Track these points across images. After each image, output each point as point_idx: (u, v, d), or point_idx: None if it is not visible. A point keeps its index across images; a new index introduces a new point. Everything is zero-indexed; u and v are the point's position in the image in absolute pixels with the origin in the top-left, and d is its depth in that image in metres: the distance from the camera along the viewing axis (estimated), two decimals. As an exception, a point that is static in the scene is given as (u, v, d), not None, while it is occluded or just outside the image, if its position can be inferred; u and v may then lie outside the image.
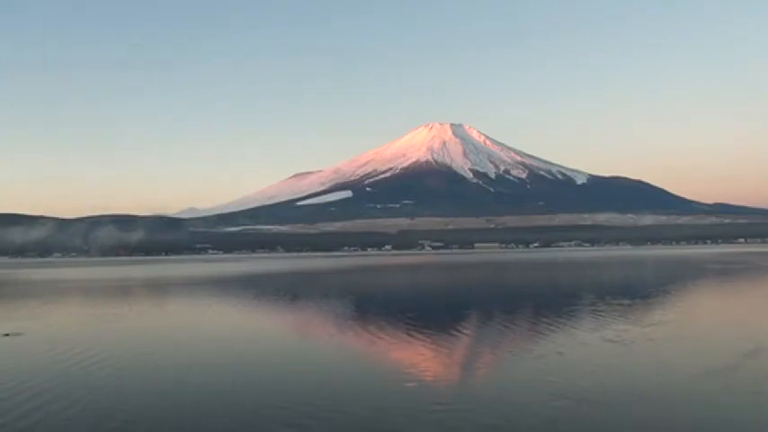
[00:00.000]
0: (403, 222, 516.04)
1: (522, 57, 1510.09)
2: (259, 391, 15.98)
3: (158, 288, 62.96)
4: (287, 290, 57.21)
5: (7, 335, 26.62)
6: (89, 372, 18.70)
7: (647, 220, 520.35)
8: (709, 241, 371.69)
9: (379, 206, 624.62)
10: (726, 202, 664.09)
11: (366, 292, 56.87)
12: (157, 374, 18.42)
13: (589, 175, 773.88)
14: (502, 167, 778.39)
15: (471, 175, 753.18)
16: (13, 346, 23.94)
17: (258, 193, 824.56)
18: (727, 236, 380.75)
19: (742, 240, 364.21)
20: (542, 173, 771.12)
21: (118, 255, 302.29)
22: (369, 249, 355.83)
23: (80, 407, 14.45)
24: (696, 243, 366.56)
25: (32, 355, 22.15)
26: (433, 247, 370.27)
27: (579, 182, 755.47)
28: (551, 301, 41.24)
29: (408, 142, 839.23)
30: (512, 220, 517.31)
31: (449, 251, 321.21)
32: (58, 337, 26.23)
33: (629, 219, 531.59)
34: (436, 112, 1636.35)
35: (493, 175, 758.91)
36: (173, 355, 22.01)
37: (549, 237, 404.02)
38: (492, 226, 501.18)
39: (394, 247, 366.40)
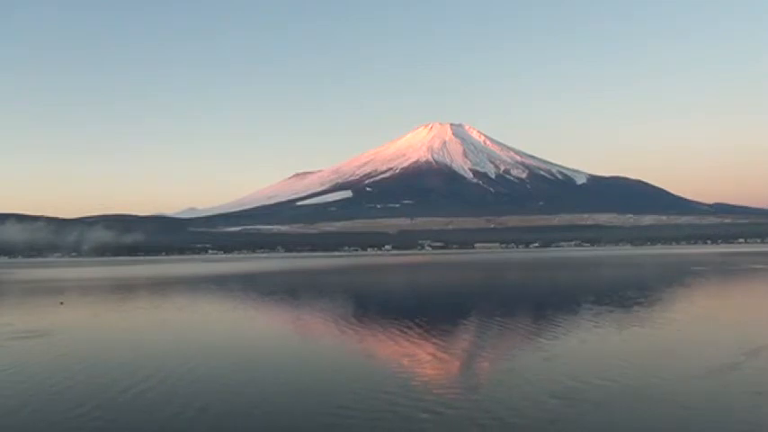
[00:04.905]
0: (403, 222, 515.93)
1: (521, 57, 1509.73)
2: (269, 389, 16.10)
3: (159, 287, 62.95)
4: (288, 290, 57.27)
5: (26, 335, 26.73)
6: (112, 366, 18.89)
7: (647, 220, 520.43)
8: (709, 241, 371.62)
9: (379, 206, 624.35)
10: (726, 202, 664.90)
11: (367, 291, 56.90)
12: (160, 370, 18.49)
13: (589, 175, 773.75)
14: (502, 167, 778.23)
15: (471, 175, 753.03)
16: (40, 347, 24.01)
17: (258, 193, 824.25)
18: (727, 236, 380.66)
19: (742, 240, 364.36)
20: (542, 173, 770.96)
21: (118, 255, 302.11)
22: (369, 249, 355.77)
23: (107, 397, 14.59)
24: (696, 243, 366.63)
25: (59, 354, 22.31)
26: (433, 247, 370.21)
27: (579, 182, 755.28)
28: (552, 301, 41.30)
29: (408, 142, 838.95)
30: (512, 220, 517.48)
31: (449, 251, 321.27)
32: (79, 337, 26.37)
33: (629, 219, 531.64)
34: (436, 112, 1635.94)
35: (493, 175, 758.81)
36: (177, 350, 22.09)
37: (549, 237, 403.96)
38: (492, 226, 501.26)
39: (394, 247, 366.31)
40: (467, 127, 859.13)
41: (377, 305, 42.35)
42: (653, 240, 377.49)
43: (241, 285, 65.03)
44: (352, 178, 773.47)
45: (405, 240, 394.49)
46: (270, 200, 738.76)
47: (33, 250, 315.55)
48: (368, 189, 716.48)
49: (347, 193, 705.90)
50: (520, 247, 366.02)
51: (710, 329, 25.60)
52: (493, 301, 44.08)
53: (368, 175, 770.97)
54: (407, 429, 12.57)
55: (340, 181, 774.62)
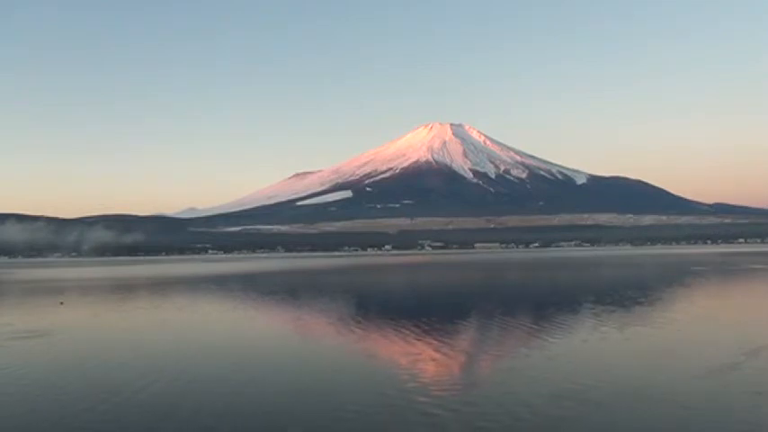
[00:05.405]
0: (403, 222, 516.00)
1: (521, 57, 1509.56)
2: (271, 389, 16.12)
3: (159, 287, 62.94)
4: (288, 290, 57.26)
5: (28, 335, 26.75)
6: (113, 365, 18.90)
7: (647, 220, 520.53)
8: (709, 241, 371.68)
9: (379, 206, 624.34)
10: (726, 202, 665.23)
11: (367, 291, 56.85)
12: (163, 370, 18.52)
13: (589, 175, 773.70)
14: (502, 167, 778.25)
15: (471, 175, 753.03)
16: (40, 346, 24.02)
17: (258, 192, 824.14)
18: (727, 236, 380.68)
19: (742, 240, 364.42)
20: (542, 173, 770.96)
21: (118, 255, 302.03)
22: (369, 249, 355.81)
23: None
24: (696, 243, 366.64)
25: (60, 354, 22.31)
26: (433, 247, 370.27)
27: (579, 182, 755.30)
28: (552, 301, 41.26)
29: (408, 142, 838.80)
30: (512, 220, 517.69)
31: (449, 251, 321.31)
32: (79, 337, 26.37)
33: (629, 219, 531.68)
34: (436, 112, 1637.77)
35: (493, 175, 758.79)
36: (177, 350, 22.11)
37: (549, 237, 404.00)
38: (492, 226, 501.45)
39: (394, 247, 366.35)
40: (467, 127, 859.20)
41: (377, 305, 42.33)
42: (653, 240, 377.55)
43: (241, 285, 65.01)
44: (352, 178, 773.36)
45: (405, 240, 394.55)
46: (270, 200, 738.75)
47: (33, 250, 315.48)
48: (368, 189, 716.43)
49: (347, 193, 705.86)
50: (520, 247, 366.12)
51: (710, 329, 25.60)
52: (494, 300, 44.06)
53: (368, 175, 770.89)
54: (422, 424, 12.59)
55: (340, 181, 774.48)
